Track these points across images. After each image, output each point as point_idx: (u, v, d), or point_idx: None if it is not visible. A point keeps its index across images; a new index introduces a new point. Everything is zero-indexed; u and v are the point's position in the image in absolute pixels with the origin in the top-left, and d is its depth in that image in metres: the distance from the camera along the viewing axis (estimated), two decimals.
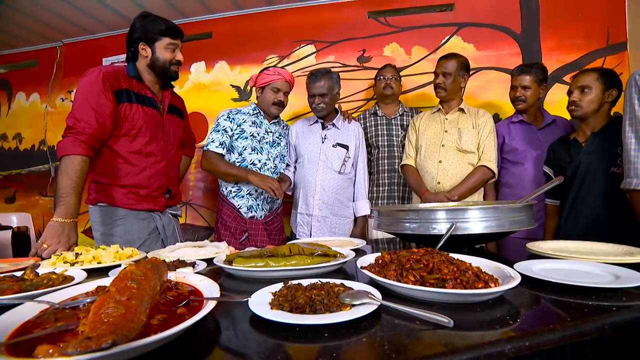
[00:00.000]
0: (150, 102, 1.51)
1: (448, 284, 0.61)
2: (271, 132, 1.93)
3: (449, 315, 0.50)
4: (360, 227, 1.98)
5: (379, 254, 0.84)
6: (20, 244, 2.75)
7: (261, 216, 1.83)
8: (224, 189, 1.86)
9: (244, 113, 1.89)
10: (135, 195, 1.48)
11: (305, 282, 0.69)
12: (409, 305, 0.54)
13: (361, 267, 0.74)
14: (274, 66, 2.15)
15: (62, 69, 3.41)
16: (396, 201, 2.04)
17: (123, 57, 3.12)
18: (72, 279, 0.74)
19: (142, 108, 1.47)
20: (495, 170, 1.73)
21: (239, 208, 1.81)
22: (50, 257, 0.96)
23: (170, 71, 1.52)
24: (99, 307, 0.45)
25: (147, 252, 1.22)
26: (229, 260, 0.86)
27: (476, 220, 1.01)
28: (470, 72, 2.39)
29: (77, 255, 0.94)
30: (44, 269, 0.87)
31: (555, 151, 1.65)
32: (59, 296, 0.60)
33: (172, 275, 0.71)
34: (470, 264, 0.72)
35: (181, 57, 1.54)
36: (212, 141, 1.79)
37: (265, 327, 0.51)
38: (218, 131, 1.80)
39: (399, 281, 0.66)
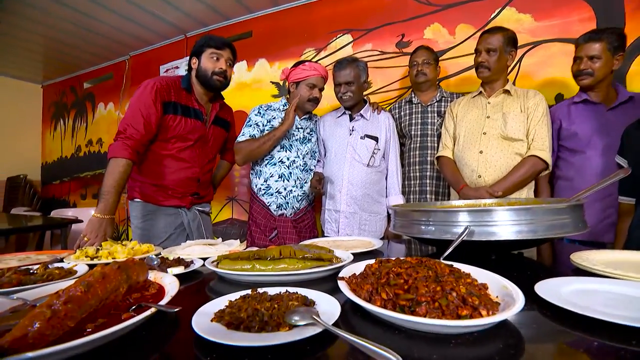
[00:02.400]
0: (195, 114, 1.62)
1: (421, 308, 0.51)
2: (302, 128, 1.90)
3: (426, 348, 0.42)
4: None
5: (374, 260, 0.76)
6: None
7: (291, 214, 1.83)
8: (254, 186, 1.89)
9: (274, 109, 1.88)
10: (164, 193, 1.61)
11: (273, 291, 0.65)
12: (367, 331, 0.46)
13: (339, 278, 0.67)
14: (310, 60, 2.11)
15: (130, 79, 3.82)
16: (429, 196, 1.87)
17: (176, 62, 3.38)
18: (75, 273, 0.80)
19: (184, 120, 1.58)
20: (549, 160, 1.47)
21: (269, 205, 1.82)
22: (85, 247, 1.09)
23: (212, 80, 1.58)
24: (37, 309, 0.47)
25: (167, 247, 1.31)
26: (218, 261, 0.86)
27: (503, 224, 0.85)
28: (529, 47, 2.08)
29: (97, 250, 1.03)
30: (69, 262, 0.96)
31: (631, 137, 1.33)
32: (44, 291, 0.65)
33: (152, 275, 0.72)
34: (473, 280, 0.60)
35: (224, 66, 1.59)
36: (242, 134, 1.80)
37: (199, 342, 0.48)
38: (250, 125, 1.81)
39: (369, 299, 0.57)
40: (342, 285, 0.63)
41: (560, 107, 1.65)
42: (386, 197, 1.90)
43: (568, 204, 0.88)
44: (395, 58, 2.42)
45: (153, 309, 0.52)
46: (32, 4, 2.80)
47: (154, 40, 3.50)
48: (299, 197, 1.85)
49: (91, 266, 0.88)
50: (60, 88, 4.68)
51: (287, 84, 1.93)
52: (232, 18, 3.05)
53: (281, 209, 1.82)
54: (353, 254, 1.00)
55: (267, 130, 1.82)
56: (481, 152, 1.56)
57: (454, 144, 1.72)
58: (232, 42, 3.06)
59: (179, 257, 0.95)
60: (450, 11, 2.28)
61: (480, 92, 1.68)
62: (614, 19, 1.90)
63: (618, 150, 1.38)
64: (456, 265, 0.71)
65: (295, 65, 1.85)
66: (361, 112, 1.87)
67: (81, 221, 2.29)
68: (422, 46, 2.02)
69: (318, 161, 2.00)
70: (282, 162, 1.82)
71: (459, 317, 0.50)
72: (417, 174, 1.90)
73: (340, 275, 0.69)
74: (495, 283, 0.63)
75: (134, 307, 0.56)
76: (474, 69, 2.18)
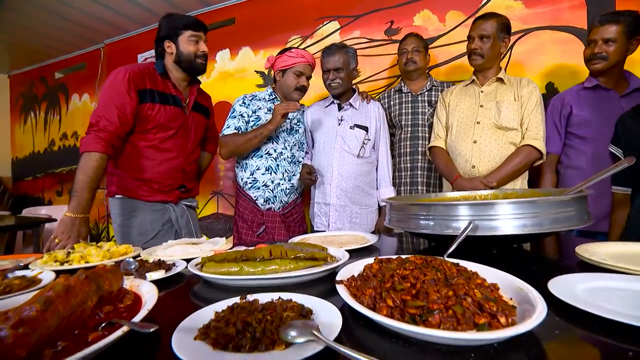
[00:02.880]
0: (174, 101, 1.52)
1: (434, 317, 0.46)
2: (289, 118, 1.82)
3: None
4: (385, 217, 1.82)
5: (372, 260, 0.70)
6: None
7: (279, 208, 1.75)
8: (239, 180, 1.80)
9: (260, 99, 1.79)
10: (149, 187, 1.51)
11: (264, 297, 0.58)
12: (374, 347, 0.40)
13: (337, 282, 0.61)
14: (297, 47, 2.02)
15: (106, 69, 3.61)
16: (420, 188, 1.83)
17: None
18: (39, 282, 0.71)
19: (163, 107, 1.48)
20: (544, 149, 1.44)
21: (256, 200, 1.74)
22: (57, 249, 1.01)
23: (196, 64, 1.51)
24: None
25: (155, 245, 1.22)
26: (202, 264, 0.78)
27: (506, 218, 0.81)
28: (520, 34, 2.05)
29: (68, 254, 0.93)
30: (35, 268, 0.87)
31: (626, 125, 1.31)
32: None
33: (127, 283, 0.64)
34: (482, 281, 0.55)
35: (205, 48, 1.53)
36: (228, 127, 1.69)
37: None
38: (234, 117, 1.71)
39: (373, 306, 0.51)
40: (342, 290, 0.57)
41: (569, 93, 1.61)
42: (377, 189, 1.85)
43: (572, 196, 0.84)
44: (384, 46, 2.36)
45: (125, 328, 0.44)
46: None
47: (130, 27, 3.31)
48: (287, 191, 1.77)
49: (60, 272, 0.79)
50: (28, 78, 4.40)
51: (272, 72, 1.84)
52: (213, 4, 2.90)
53: (269, 203, 1.74)
54: (347, 250, 0.94)
55: (253, 121, 1.73)
56: (475, 142, 1.52)
57: (447, 134, 1.67)
58: (215, 30, 2.96)
59: (159, 260, 0.87)
60: None
61: (473, 80, 1.64)
62: (605, 7, 1.88)
63: (611, 139, 1.37)
64: (461, 263, 0.67)
65: (282, 52, 1.76)
66: (350, 101, 1.80)
67: (55, 220, 2.16)
68: (411, 33, 1.96)
69: (306, 153, 1.92)
70: (268, 154, 1.74)
71: (476, 325, 0.45)
72: (408, 165, 1.85)
73: (338, 277, 0.63)
74: (506, 283, 0.58)
75: (103, 325, 0.48)
76: (465, 57, 2.17)
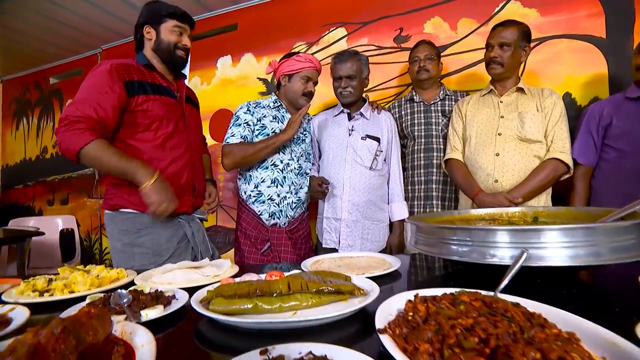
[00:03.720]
0: (167, 92, 1.38)
1: None
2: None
3: None
4: (397, 234, 1.71)
5: (412, 296, 0.59)
6: (67, 246, 2.87)
7: (285, 223, 1.63)
8: (242, 193, 1.68)
9: (264, 106, 1.68)
10: None
11: (291, 352, 0.46)
12: None
13: (380, 330, 0.49)
14: (303, 52, 1.91)
15: None
16: (435, 202, 1.72)
17: None
18: (9, 323, 0.59)
19: (160, 98, 1.34)
20: (571, 163, 1.35)
21: (260, 214, 1.62)
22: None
23: (175, 55, 1.38)
24: None
25: (147, 267, 1.09)
26: (209, 300, 0.66)
27: (557, 247, 0.70)
28: (533, 44, 1.98)
29: (50, 281, 0.81)
30: (10, 299, 0.74)
31: None
32: None
33: (118, 328, 0.52)
34: (559, 331, 0.44)
35: (188, 42, 1.41)
36: (232, 135, 1.57)
37: None
38: (239, 125, 1.59)
39: None
40: (389, 344, 0.46)
41: (609, 102, 1.52)
42: (388, 203, 1.75)
43: (633, 222, 0.74)
44: (393, 53, 2.28)
45: None
46: None
47: (128, 32, 3.21)
48: (294, 205, 1.66)
49: (37, 306, 0.66)
50: (22, 83, 4.27)
51: (275, 77, 1.74)
52: (215, 9, 2.82)
53: (274, 218, 1.62)
54: (369, 278, 0.83)
55: (258, 129, 1.62)
56: (497, 154, 1.42)
57: (464, 146, 1.58)
58: (216, 36, 2.87)
59: (156, 291, 0.75)
60: (451, 4, 2.16)
61: (491, 90, 1.55)
62: (624, 15, 1.82)
63: None
64: (521, 302, 0.56)
65: (287, 56, 1.67)
66: (361, 110, 1.71)
67: (42, 233, 2.01)
68: (423, 41, 1.88)
69: (312, 164, 1.82)
70: (274, 165, 1.63)
71: None
72: (422, 178, 1.75)
73: (378, 323, 0.52)
74: (587, 332, 0.47)
75: None
76: (477, 66, 2.11)
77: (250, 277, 0.82)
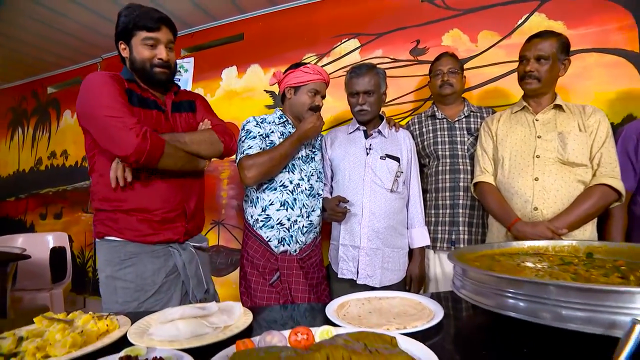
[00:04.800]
0: (156, 105, 1.24)
1: None
2: (303, 144, 1.58)
3: None
4: (418, 263, 1.56)
5: None
6: (57, 264, 2.69)
7: (295, 250, 1.48)
8: (248, 217, 1.53)
9: (270, 122, 1.55)
10: (147, 222, 1.17)
11: None
12: None
13: None
14: (311, 63, 1.79)
15: None
16: (461, 228, 1.57)
17: None
18: None
19: (144, 112, 1.19)
20: (623, 190, 1.21)
21: (268, 241, 1.46)
22: None
23: (152, 73, 1.19)
24: None
25: (155, 303, 0.93)
26: None
27: None
28: None
29: (20, 340, 0.65)
30: None
31: None
32: None
33: None
34: None
35: (164, 54, 1.19)
36: (250, 147, 1.44)
37: None
38: (253, 137, 1.46)
39: None
40: None
41: None
42: (407, 228, 1.60)
43: None
44: (409, 66, 2.16)
45: None
46: None
47: None
48: (305, 229, 1.51)
49: None
50: (20, 92, 4.15)
51: (279, 89, 1.61)
52: (221, 19, 2.72)
53: (283, 245, 1.47)
54: (410, 335, 0.68)
55: (268, 145, 1.48)
56: (536, 179, 1.28)
57: (495, 168, 1.44)
58: (221, 46, 2.76)
59: (156, 358, 0.59)
60: (471, 16, 2.05)
61: (524, 107, 1.42)
62: None
63: None
64: None
65: (294, 67, 1.55)
66: (379, 128, 1.58)
67: (28, 257, 1.84)
68: (446, 53, 1.76)
69: (324, 184, 1.68)
70: (284, 186, 1.49)
71: None
72: (448, 201, 1.60)
73: None
74: None
75: None
76: (498, 80, 1.99)
77: (272, 336, 0.66)
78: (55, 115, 3.78)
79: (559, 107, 1.36)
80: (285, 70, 1.57)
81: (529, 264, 0.96)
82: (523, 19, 1.95)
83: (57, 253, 2.68)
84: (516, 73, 1.88)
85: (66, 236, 2.75)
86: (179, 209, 1.25)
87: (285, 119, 1.58)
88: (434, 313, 0.85)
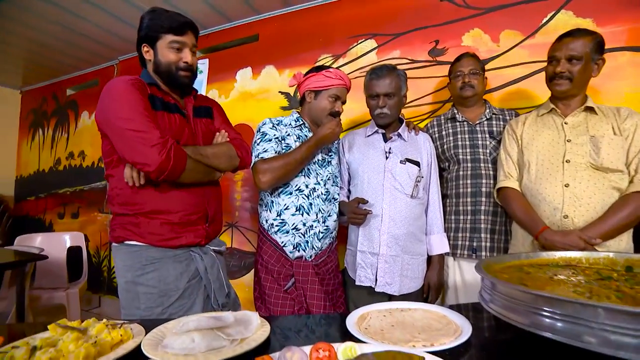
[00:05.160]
0: (177, 109, 1.23)
1: None
2: (319, 149, 1.54)
3: None
4: (437, 270, 1.51)
5: None
6: (74, 263, 2.72)
7: (311, 256, 1.44)
8: (263, 221, 1.49)
9: (286, 125, 1.51)
10: (169, 225, 1.16)
11: None
12: None
13: None
14: (333, 67, 1.73)
15: None
16: (483, 235, 1.51)
17: None
18: None
19: (167, 115, 1.18)
20: None
21: (283, 246, 1.43)
22: None
23: (177, 76, 1.21)
24: None
25: (177, 309, 0.91)
26: None
27: None
28: None
29: (33, 350, 0.63)
30: None
31: None
32: None
33: None
34: None
35: (189, 58, 1.22)
36: (265, 150, 1.39)
37: None
38: (269, 140, 1.42)
39: None
40: None
41: None
42: (426, 234, 1.55)
43: None
44: (428, 67, 2.10)
45: None
46: (13, 1, 2.42)
47: None
48: (321, 235, 1.47)
49: None
50: (41, 94, 4.25)
51: (298, 92, 1.58)
52: (235, 20, 2.71)
53: (299, 250, 1.43)
54: (439, 354, 0.64)
55: (284, 148, 1.45)
56: (567, 185, 1.21)
57: (520, 173, 1.37)
58: (236, 47, 2.76)
59: None
60: (493, 15, 1.98)
61: (552, 109, 1.35)
62: None
63: None
64: None
65: (315, 70, 1.51)
66: (399, 131, 1.53)
67: (45, 257, 1.86)
68: (467, 53, 1.70)
69: (340, 188, 1.64)
70: (299, 190, 1.45)
71: None
72: (469, 207, 1.54)
73: None
74: None
75: None
76: (521, 82, 1.91)
77: (292, 352, 0.63)
78: (74, 117, 3.86)
79: (590, 110, 1.28)
80: (307, 73, 1.53)
81: (563, 277, 0.90)
82: (548, 17, 1.87)
83: (73, 252, 2.71)
84: (540, 74, 1.85)
85: (82, 236, 2.79)
86: (200, 211, 1.25)
87: (302, 122, 1.54)
88: (461, 328, 0.80)
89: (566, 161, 1.23)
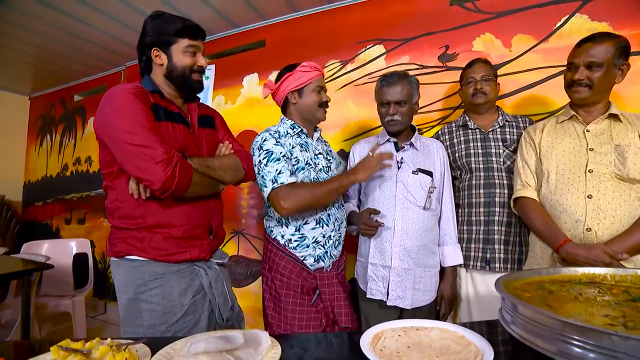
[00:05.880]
0: (181, 118, 1.19)
1: None
2: (320, 152, 1.49)
3: None
4: (450, 283, 1.46)
5: None
6: (80, 270, 2.71)
7: (329, 266, 1.40)
8: (278, 238, 1.40)
9: (283, 135, 1.40)
10: (173, 240, 1.12)
11: None
12: None
13: None
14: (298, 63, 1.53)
15: None
16: (496, 246, 1.46)
17: None
18: None
19: (172, 126, 1.14)
20: None
21: (304, 260, 1.37)
22: None
23: (191, 80, 1.19)
24: None
25: (181, 327, 0.88)
26: None
27: None
28: None
29: None
30: None
31: None
32: None
33: None
34: None
35: (204, 62, 1.20)
36: (279, 172, 1.28)
37: None
38: (278, 160, 1.30)
39: None
40: None
41: None
42: (439, 245, 1.50)
43: None
44: (438, 73, 2.06)
45: None
46: (21, 9, 2.44)
47: None
48: (337, 243, 1.44)
49: None
50: (49, 100, 4.29)
51: (276, 98, 1.51)
52: (242, 25, 2.70)
53: (320, 262, 1.38)
54: None
55: (294, 165, 1.37)
56: (589, 196, 1.16)
57: (538, 183, 1.32)
58: (242, 53, 2.74)
59: None
60: (504, 19, 1.94)
61: (572, 116, 1.30)
62: None
63: None
64: None
65: (288, 70, 1.45)
66: (411, 140, 1.49)
67: (51, 266, 1.84)
68: (479, 59, 1.65)
69: (349, 196, 1.60)
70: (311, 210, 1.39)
71: None
72: (482, 218, 1.49)
73: None
74: None
75: None
76: (533, 87, 1.86)
77: None
78: (81, 122, 3.88)
79: (614, 117, 1.23)
80: (279, 77, 1.47)
81: (589, 296, 0.85)
82: (562, 21, 1.82)
83: (79, 259, 2.70)
84: (555, 79, 1.81)
85: (88, 242, 2.78)
86: (204, 225, 1.21)
87: (299, 129, 1.45)
88: (482, 351, 0.76)
89: (589, 171, 1.18)
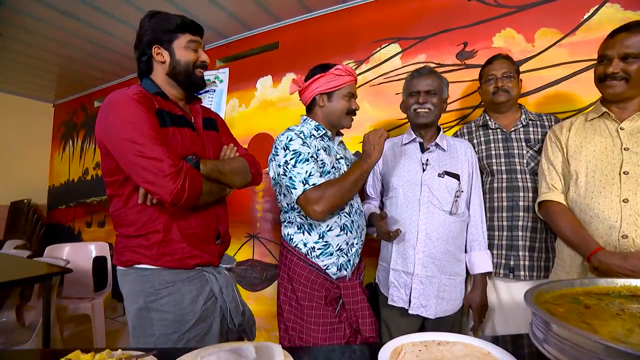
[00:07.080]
0: (185, 122, 1.16)
1: None
2: (342, 157, 1.45)
3: None
4: (479, 290, 1.38)
5: None
6: (100, 273, 2.77)
7: (350, 273, 1.36)
8: (300, 246, 1.33)
9: (308, 136, 1.34)
10: (182, 245, 1.09)
11: None
12: None
13: None
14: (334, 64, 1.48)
15: None
16: (520, 253, 1.38)
17: None
18: None
19: (178, 131, 1.11)
20: None
21: (326, 268, 1.31)
22: None
23: (195, 76, 1.16)
24: None
25: (185, 337, 0.86)
26: None
27: None
28: None
29: None
30: None
31: None
32: None
33: None
34: None
35: (206, 57, 1.18)
36: (310, 174, 1.23)
37: None
38: (306, 161, 1.25)
39: None
40: None
41: None
42: (466, 252, 1.43)
43: None
44: (456, 71, 1.99)
45: None
46: (44, 19, 2.52)
47: None
48: (358, 250, 1.40)
49: None
50: (71, 107, 4.43)
51: (303, 97, 1.46)
52: (255, 28, 2.69)
53: (342, 270, 1.33)
54: None
55: (320, 166, 1.32)
56: (625, 200, 1.07)
57: (567, 185, 1.24)
58: (256, 55, 2.74)
59: None
60: (527, 13, 1.85)
61: (604, 112, 1.21)
62: None
63: None
64: None
65: (322, 70, 1.39)
66: (437, 140, 1.43)
67: (70, 270, 1.87)
68: (499, 55, 1.57)
69: (372, 197, 1.57)
70: (341, 208, 1.34)
71: None
72: (505, 223, 1.42)
73: None
74: None
75: None
76: (559, 84, 1.76)
77: None
78: None
79: None
80: (310, 75, 1.42)
81: (634, 311, 0.78)
82: (591, 12, 1.72)
83: (99, 262, 2.76)
84: (582, 74, 1.71)
85: (107, 246, 2.84)
86: (212, 230, 1.20)
87: (324, 131, 1.40)
88: None
89: (624, 173, 1.09)
